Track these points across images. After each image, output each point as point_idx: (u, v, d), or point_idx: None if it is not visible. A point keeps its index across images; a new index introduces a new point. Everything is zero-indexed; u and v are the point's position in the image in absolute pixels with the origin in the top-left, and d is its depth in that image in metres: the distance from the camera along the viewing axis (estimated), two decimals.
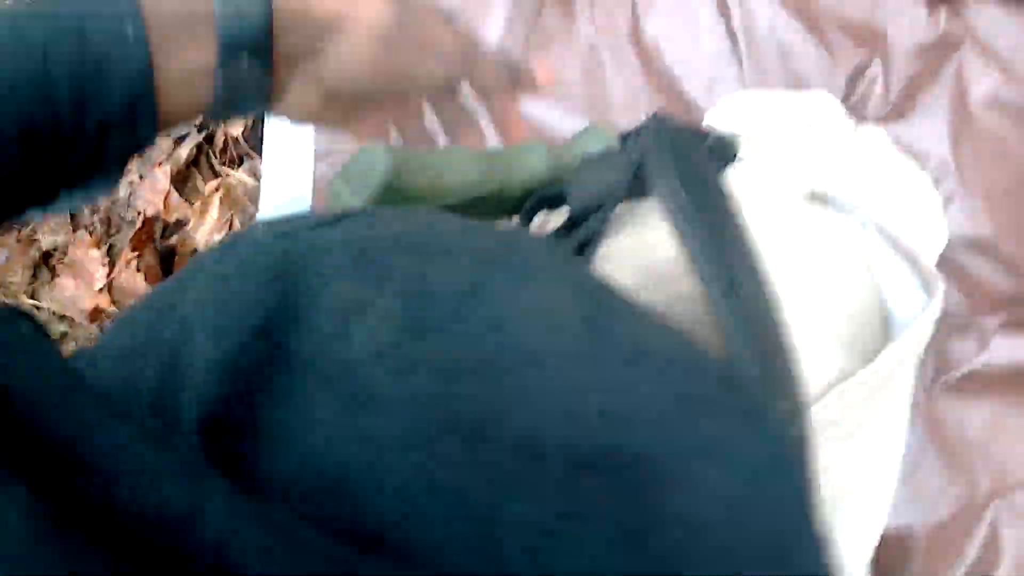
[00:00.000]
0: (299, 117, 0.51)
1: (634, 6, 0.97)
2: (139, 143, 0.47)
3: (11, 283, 1.61)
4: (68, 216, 1.63)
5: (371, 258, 0.29)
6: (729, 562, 0.25)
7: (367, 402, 0.24)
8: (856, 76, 0.92)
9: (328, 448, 0.24)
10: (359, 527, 0.22)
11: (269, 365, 0.26)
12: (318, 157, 0.96)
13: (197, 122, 1.54)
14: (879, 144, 0.61)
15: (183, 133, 1.57)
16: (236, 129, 1.54)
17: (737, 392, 0.31)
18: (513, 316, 0.27)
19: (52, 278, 1.62)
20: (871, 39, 0.93)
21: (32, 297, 1.61)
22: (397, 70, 0.50)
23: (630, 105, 0.96)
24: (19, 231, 1.63)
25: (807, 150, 0.62)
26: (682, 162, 0.41)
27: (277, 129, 0.99)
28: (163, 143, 1.58)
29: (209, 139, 1.58)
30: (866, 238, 0.51)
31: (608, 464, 0.25)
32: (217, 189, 1.56)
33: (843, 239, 0.51)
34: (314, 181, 0.96)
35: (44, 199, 0.46)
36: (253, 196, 1.56)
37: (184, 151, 1.57)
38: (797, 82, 0.92)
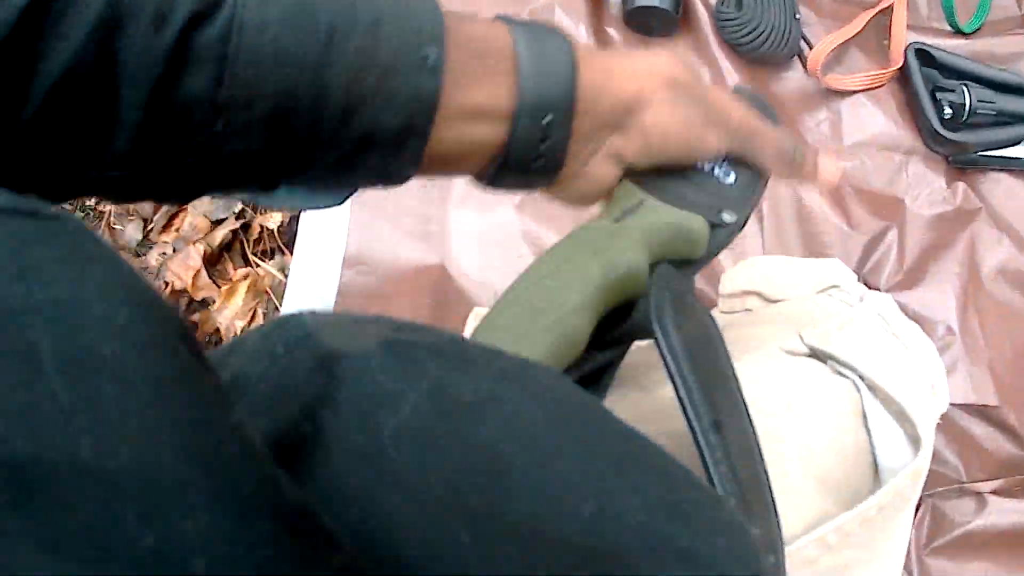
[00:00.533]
0: (589, 193, 0.49)
1: None
2: (395, 174, 0.44)
3: None
4: None
5: (407, 358, 0.31)
6: None
7: (390, 481, 0.27)
8: (873, 243, 0.94)
9: (352, 518, 0.26)
10: None
11: (309, 442, 0.28)
12: (347, 264, 0.94)
13: (237, 208, 1.60)
14: (885, 310, 0.64)
15: (221, 217, 1.62)
16: (272, 222, 1.59)
17: (714, 506, 0.34)
18: (523, 425, 0.30)
19: None
20: (890, 209, 0.95)
21: None
22: (686, 140, 0.48)
23: None
24: None
25: (811, 311, 0.65)
26: (680, 310, 0.43)
27: (311, 229, 0.98)
28: (200, 223, 1.64)
29: (245, 227, 1.63)
30: (860, 395, 0.54)
31: (593, 556, 0.28)
32: (246, 277, 1.61)
33: (835, 393, 0.54)
34: (339, 287, 0.94)
35: (266, 183, 0.42)
36: (279, 291, 1.59)
37: (219, 234, 1.61)
38: (815, 245, 0.93)
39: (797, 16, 0.98)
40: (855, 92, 0.99)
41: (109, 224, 1.67)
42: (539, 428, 0.31)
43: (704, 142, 0.49)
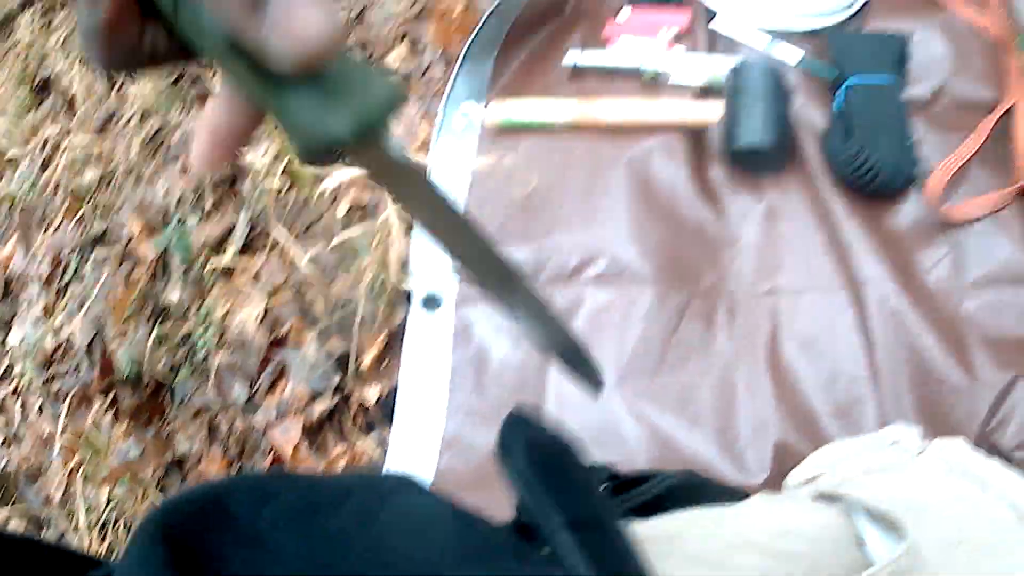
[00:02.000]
0: None
1: (775, 321, 0.89)
2: None
3: (142, 478, 1.68)
4: (207, 427, 1.71)
5: (282, 476, 0.41)
6: None
7: (263, 554, 0.35)
8: (999, 400, 0.80)
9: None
10: None
11: (210, 531, 0.36)
12: (444, 446, 0.93)
13: (335, 380, 1.58)
14: (951, 455, 0.60)
15: (320, 389, 1.61)
16: (371, 395, 1.57)
17: None
18: (369, 518, 0.39)
19: (181, 481, 1.68)
20: (1020, 358, 0.81)
21: (162, 493, 1.66)
22: None
23: (758, 434, 0.85)
24: (158, 428, 1.70)
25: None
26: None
27: (408, 407, 1.02)
28: (300, 390, 1.64)
29: (346, 399, 1.61)
30: (851, 518, 0.54)
31: None
32: (344, 453, 1.59)
33: (813, 516, 0.54)
34: (437, 471, 0.93)
35: None
36: (377, 467, 1.56)
37: (317, 408, 1.60)
38: (933, 406, 0.81)
39: (909, 141, 0.88)
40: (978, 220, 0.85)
41: (219, 378, 1.72)
42: (383, 522, 0.39)
43: None
